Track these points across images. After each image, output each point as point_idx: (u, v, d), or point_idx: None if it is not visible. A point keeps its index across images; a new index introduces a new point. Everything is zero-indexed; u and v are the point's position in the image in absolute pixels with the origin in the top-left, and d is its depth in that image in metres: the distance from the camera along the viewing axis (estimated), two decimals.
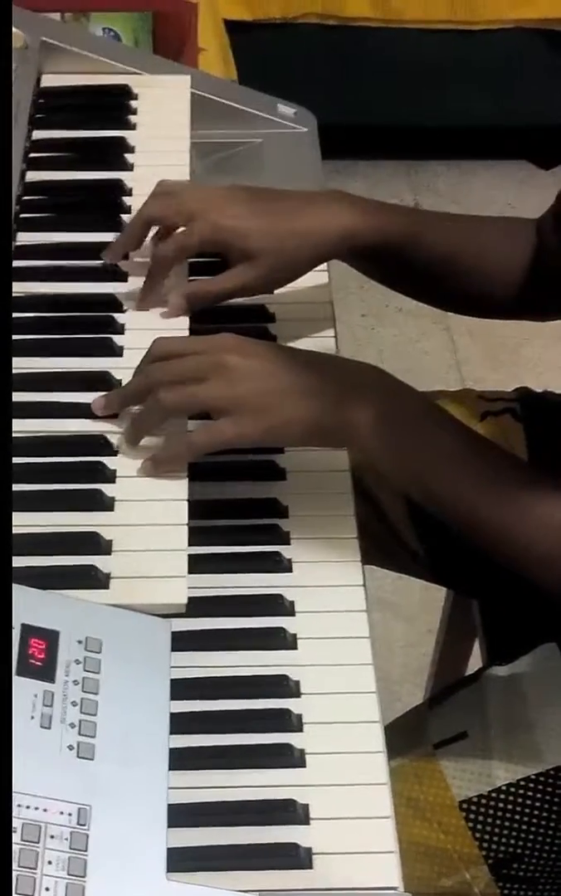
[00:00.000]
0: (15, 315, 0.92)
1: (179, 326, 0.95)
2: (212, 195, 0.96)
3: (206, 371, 0.82)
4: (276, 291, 1.03)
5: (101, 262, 1.00)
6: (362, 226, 0.96)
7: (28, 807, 0.66)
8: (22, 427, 0.86)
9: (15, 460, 0.82)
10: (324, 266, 1.05)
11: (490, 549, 0.82)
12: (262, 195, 0.97)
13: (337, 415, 0.82)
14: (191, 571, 0.80)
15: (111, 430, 0.87)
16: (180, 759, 0.73)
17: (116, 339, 0.94)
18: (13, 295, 0.94)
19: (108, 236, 1.02)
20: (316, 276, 1.04)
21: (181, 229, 0.96)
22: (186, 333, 0.95)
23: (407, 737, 0.98)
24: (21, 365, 0.89)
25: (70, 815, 0.67)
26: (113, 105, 1.15)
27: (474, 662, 1.31)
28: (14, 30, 1.12)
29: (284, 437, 0.84)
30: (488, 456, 0.83)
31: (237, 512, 0.87)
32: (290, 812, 0.72)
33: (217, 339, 0.85)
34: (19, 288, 0.96)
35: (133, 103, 1.15)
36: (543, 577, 0.81)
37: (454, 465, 0.82)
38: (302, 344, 1.00)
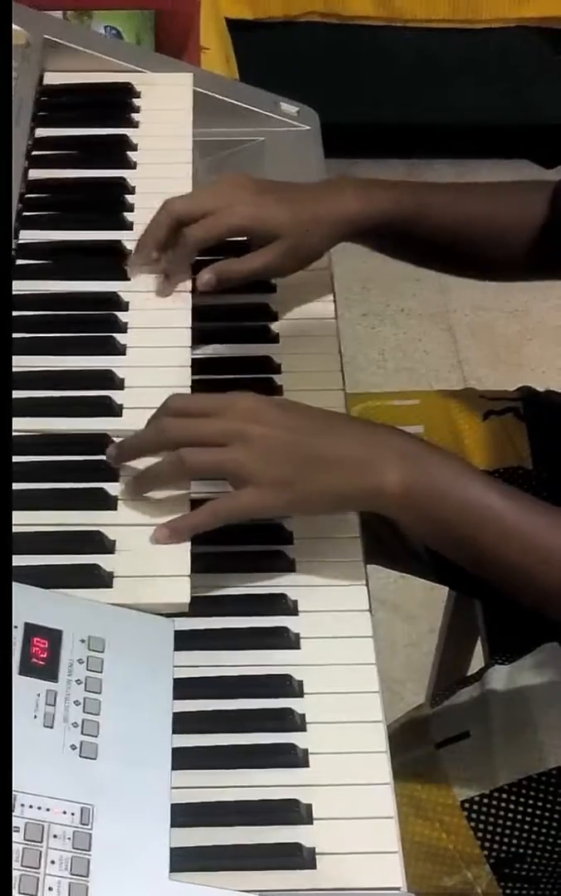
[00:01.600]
0: (17, 313, 0.92)
1: (181, 324, 0.95)
2: (234, 187, 0.98)
3: (228, 437, 0.80)
4: (278, 290, 1.03)
5: (106, 260, 1.00)
6: (374, 207, 0.99)
7: (31, 806, 0.66)
8: (25, 426, 0.86)
9: (18, 459, 0.82)
10: (325, 264, 1.05)
11: (539, 606, 0.82)
12: (279, 185, 1.00)
13: (363, 483, 0.80)
14: (194, 571, 0.80)
15: (114, 430, 0.87)
16: (183, 759, 0.73)
17: (119, 337, 0.94)
18: (16, 293, 0.94)
19: (110, 234, 1.02)
20: (318, 276, 1.04)
21: (209, 217, 0.97)
22: (188, 332, 0.95)
23: (409, 736, 0.97)
24: (23, 363, 0.89)
25: (73, 814, 0.67)
26: (115, 103, 1.15)
27: (477, 662, 1.31)
28: (17, 28, 1.12)
29: (309, 508, 0.82)
30: (527, 511, 0.81)
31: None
32: (293, 812, 0.72)
33: (236, 401, 0.82)
34: (22, 286, 0.96)
35: (135, 101, 1.15)
36: None
37: (492, 526, 0.80)
38: (304, 343, 1.00)
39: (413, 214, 1.00)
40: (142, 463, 0.84)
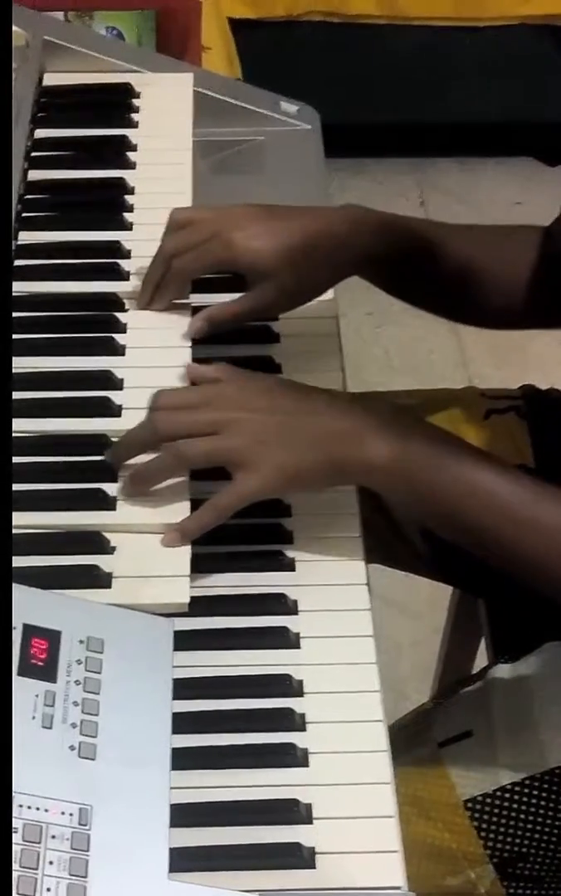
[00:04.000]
0: (16, 314, 0.92)
1: (180, 325, 0.95)
2: (227, 216, 0.95)
3: (219, 426, 0.81)
4: None
5: (106, 261, 1.00)
6: (379, 244, 0.96)
7: (29, 807, 0.66)
8: (24, 426, 0.86)
9: (17, 460, 0.82)
10: None
11: (528, 578, 0.81)
12: (277, 213, 0.95)
13: (352, 455, 0.81)
14: (194, 570, 0.80)
15: (113, 431, 0.87)
16: (183, 759, 0.73)
17: (118, 337, 0.94)
18: (15, 294, 0.94)
19: (110, 235, 1.02)
20: None
21: (198, 248, 0.94)
22: (187, 331, 0.95)
23: (412, 735, 0.97)
24: (23, 364, 0.89)
25: (71, 815, 0.67)
26: (115, 103, 1.15)
27: (481, 661, 1.30)
28: (16, 28, 1.12)
29: (306, 483, 0.83)
30: (518, 484, 0.81)
31: (241, 511, 0.86)
32: (293, 812, 0.71)
33: (221, 390, 0.84)
34: (21, 287, 0.96)
35: (135, 101, 1.15)
36: None
37: (483, 498, 0.80)
38: (305, 341, 1.00)
39: (424, 250, 0.98)
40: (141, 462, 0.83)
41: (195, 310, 0.97)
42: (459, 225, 1.04)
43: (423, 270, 1.00)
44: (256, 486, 0.81)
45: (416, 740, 0.97)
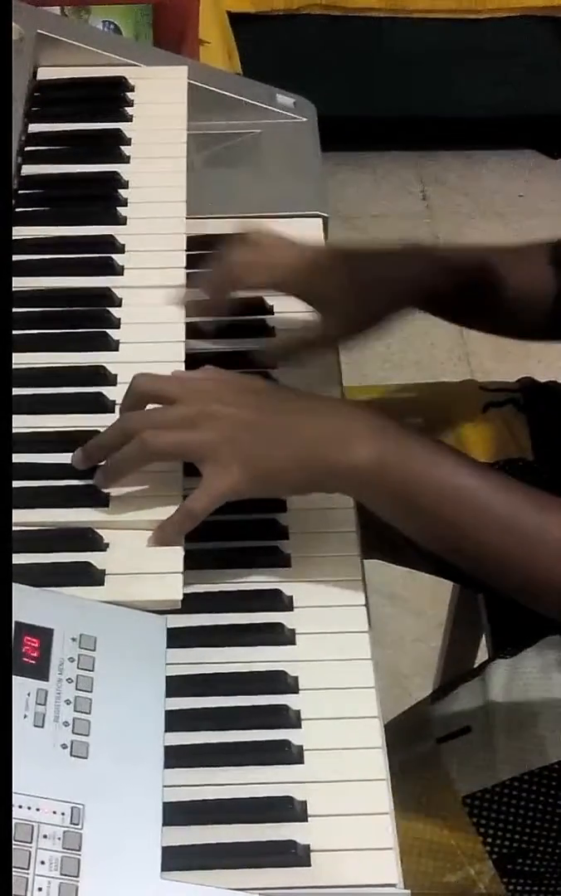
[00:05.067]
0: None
1: (175, 320, 0.94)
2: (296, 253, 0.95)
3: (191, 420, 0.79)
4: None
5: (100, 255, 0.99)
6: (438, 278, 0.97)
7: (21, 806, 0.66)
8: (17, 423, 0.85)
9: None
10: None
11: (508, 584, 0.80)
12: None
13: (334, 459, 0.78)
14: (187, 567, 0.80)
15: (106, 427, 0.86)
16: (176, 757, 0.72)
17: (112, 333, 0.93)
18: None
19: (104, 229, 1.01)
20: None
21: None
22: (182, 327, 0.94)
23: (410, 732, 0.97)
24: (17, 360, 0.89)
25: (63, 814, 0.67)
26: (109, 97, 1.14)
27: (482, 656, 1.30)
28: None
29: (279, 484, 0.80)
30: (502, 490, 0.79)
31: (234, 506, 0.86)
32: (288, 809, 0.71)
33: (199, 384, 0.81)
34: (15, 282, 0.95)
35: (130, 95, 1.14)
36: None
37: (468, 505, 0.78)
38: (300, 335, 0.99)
39: (478, 280, 0.99)
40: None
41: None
42: (498, 247, 1.04)
43: (481, 299, 1.00)
44: (225, 485, 0.78)
45: (415, 736, 0.96)
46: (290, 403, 0.82)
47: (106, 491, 0.82)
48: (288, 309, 1.00)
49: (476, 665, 1.02)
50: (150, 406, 0.82)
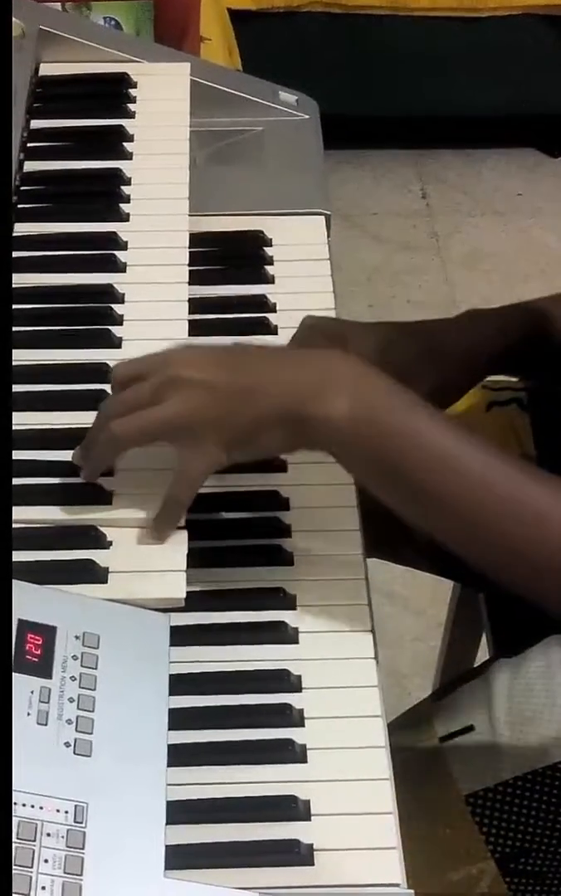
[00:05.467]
0: (12, 306, 0.91)
1: (178, 316, 0.94)
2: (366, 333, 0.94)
3: (155, 392, 0.76)
4: (276, 281, 1.02)
5: (102, 252, 0.99)
6: (505, 340, 0.97)
7: (24, 805, 0.66)
8: (19, 420, 0.85)
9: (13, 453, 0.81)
10: (325, 255, 1.04)
11: (483, 554, 0.77)
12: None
13: (306, 413, 0.74)
14: (191, 565, 0.79)
15: None
16: (179, 756, 0.72)
17: (114, 329, 0.93)
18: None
19: (106, 226, 1.01)
20: (317, 266, 1.03)
21: None
22: (185, 324, 0.94)
23: (413, 730, 0.97)
24: (18, 357, 0.88)
25: (67, 812, 0.66)
26: (111, 93, 1.14)
27: (482, 656, 1.30)
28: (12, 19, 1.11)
29: (256, 448, 0.77)
30: (481, 449, 0.75)
31: (237, 505, 0.86)
32: (291, 808, 0.71)
33: (169, 353, 0.79)
34: (17, 279, 0.95)
35: (132, 91, 1.14)
36: (545, 586, 0.75)
37: (447, 461, 0.74)
38: None
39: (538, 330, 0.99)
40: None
41: (192, 302, 0.96)
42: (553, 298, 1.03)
43: (541, 351, 0.99)
44: (202, 464, 0.76)
45: (417, 735, 0.96)
46: (255, 359, 0.78)
47: (109, 489, 0.82)
48: (292, 307, 0.99)
49: (477, 664, 1.02)
50: None
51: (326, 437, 0.76)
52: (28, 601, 0.74)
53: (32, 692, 0.70)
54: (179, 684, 0.75)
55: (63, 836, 0.65)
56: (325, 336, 0.92)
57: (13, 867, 0.63)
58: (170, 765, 0.71)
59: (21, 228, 1.01)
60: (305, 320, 0.93)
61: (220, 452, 0.76)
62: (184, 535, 0.80)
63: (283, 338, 0.98)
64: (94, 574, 0.78)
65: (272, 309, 1.00)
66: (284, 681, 0.76)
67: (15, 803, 0.65)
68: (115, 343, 0.92)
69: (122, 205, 1.03)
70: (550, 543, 0.73)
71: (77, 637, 0.73)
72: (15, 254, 0.98)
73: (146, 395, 0.77)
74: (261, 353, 0.80)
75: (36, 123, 1.10)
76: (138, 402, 0.77)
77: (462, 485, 0.74)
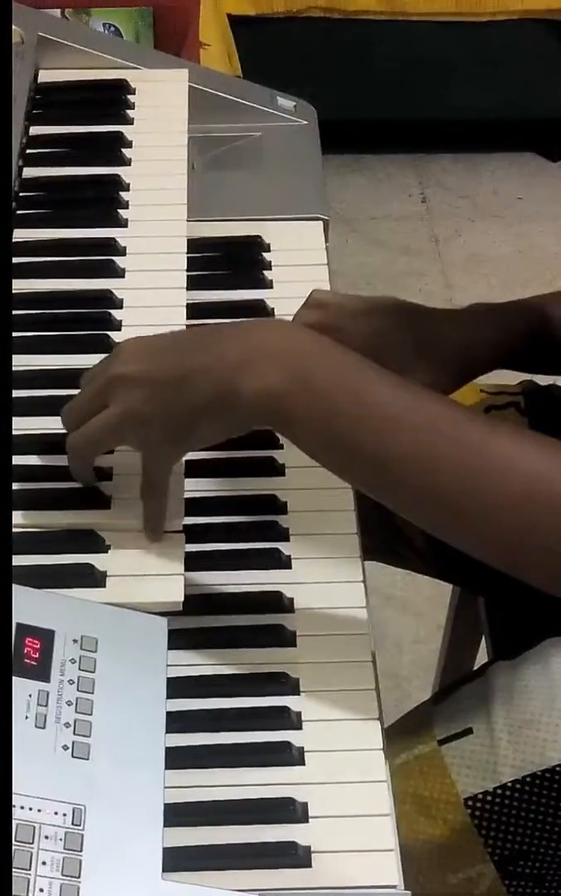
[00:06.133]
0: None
1: (176, 322, 0.95)
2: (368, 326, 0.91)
3: (102, 395, 0.75)
4: (274, 286, 1.03)
5: (101, 258, 0.99)
6: (504, 336, 0.97)
7: (22, 807, 0.66)
8: (19, 425, 0.85)
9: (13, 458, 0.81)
10: (323, 260, 1.04)
11: (440, 522, 0.74)
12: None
13: (243, 389, 0.71)
14: (189, 569, 0.80)
15: None
16: (177, 758, 0.72)
17: (113, 335, 0.94)
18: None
19: (105, 232, 1.02)
20: (315, 271, 1.03)
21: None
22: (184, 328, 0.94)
23: (412, 733, 0.97)
24: (18, 362, 0.89)
25: (65, 815, 0.67)
26: (110, 100, 1.14)
27: (482, 658, 1.30)
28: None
29: (209, 434, 0.75)
30: (434, 407, 0.72)
31: (235, 508, 0.86)
32: (288, 810, 0.71)
33: (117, 349, 0.78)
34: (16, 284, 0.95)
35: (130, 98, 1.15)
36: (507, 553, 0.73)
37: (395, 420, 0.71)
38: None
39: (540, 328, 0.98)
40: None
41: (190, 307, 0.96)
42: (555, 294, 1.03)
43: (547, 346, 0.99)
44: (158, 461, 0.76)
45: (416, 738, 0.96)
46: (188, 343, 0.76)
47: (107, 493, 0.83)
48: (290, 312, 1.00)
49: (477, 667, 1.02)
50: None
51: (267, 412, 0.73)
52: (27, 605, 0.74)
53: (31, 696, 0.70)
54: (177, 687, 0.75)
55: (61, 839, 0.66)
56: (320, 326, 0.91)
57: (12, 869, 0.64)
58: (168, 767, 0.72)
59: (20, 234, 1.01)
60: (312, 294, 0.92)
61: (170, 447, 0.76)
62: (181, 538, 0.81)
63: None
64: (92, 578, 0.78)
65: (270, 314, 1.00)
66: (282, 683, 0.77)
67: (13, 806, 0.66)
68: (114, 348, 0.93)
69: (120, 210, 1.04)
70: (516, 498, 0.70)
71: (75, 641, 0.74)
72: (14, 259, 0.98)
73: (89, 400, 0.77)
74: (195, 336, 0.78)
75: (35, 130, 1.11)
76: (88, 409, 0.77)
77: (414, 442, 0.70)
